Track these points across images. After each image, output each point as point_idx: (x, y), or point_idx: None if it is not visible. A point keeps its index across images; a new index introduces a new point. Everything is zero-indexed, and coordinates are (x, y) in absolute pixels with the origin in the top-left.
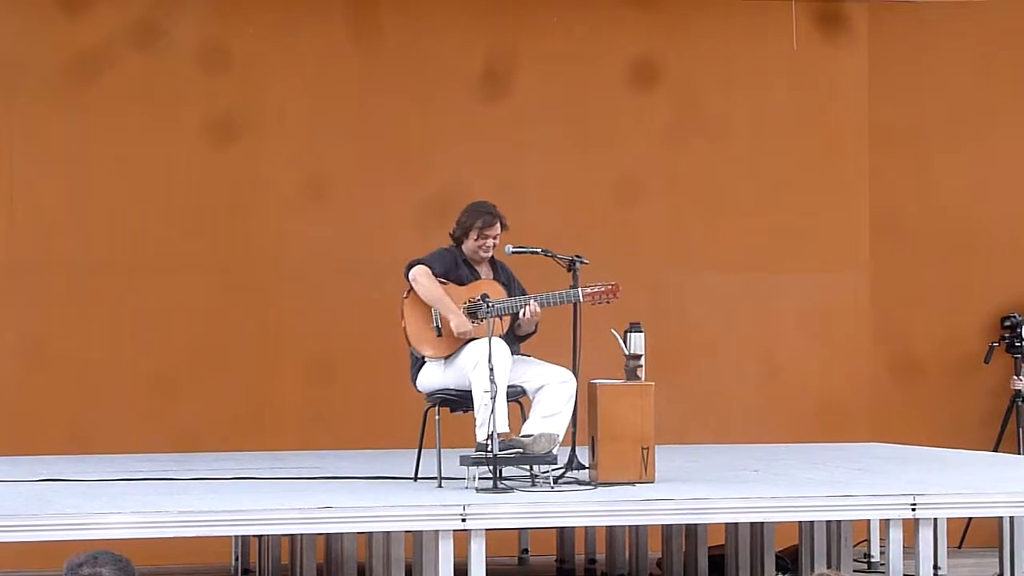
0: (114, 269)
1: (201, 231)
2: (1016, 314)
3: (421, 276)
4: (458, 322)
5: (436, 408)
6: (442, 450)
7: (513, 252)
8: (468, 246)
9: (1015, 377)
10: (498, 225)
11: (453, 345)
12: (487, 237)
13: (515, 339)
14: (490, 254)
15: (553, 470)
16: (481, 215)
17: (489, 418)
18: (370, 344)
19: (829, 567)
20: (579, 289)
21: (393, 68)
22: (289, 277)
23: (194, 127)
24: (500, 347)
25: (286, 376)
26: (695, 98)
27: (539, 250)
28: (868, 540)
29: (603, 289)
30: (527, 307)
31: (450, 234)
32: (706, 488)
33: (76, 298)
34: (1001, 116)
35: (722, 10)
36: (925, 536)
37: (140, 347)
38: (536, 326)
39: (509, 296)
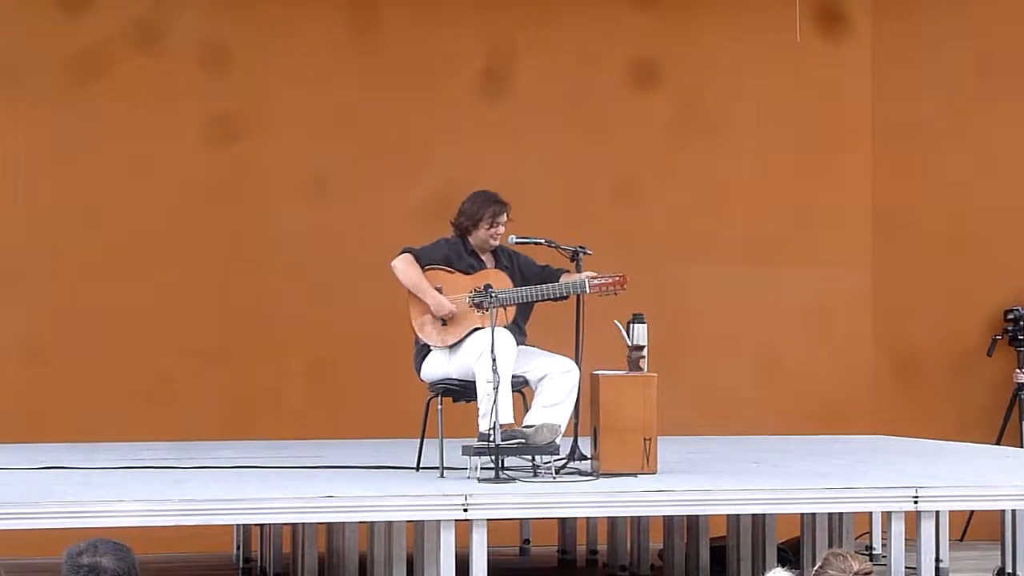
0: (116, 264)
1: (202, 228)
2: (1019, 307)
3: (401, 263)
4: (435, 303)
5: (439, 398)
6: (444, 440)
7: (517, 242)
8: (479, 235)
9: (1018, 370)
10: (506, 213)
11: (459, 333)
12: (499, 225)
13: (520, 329)
14: (499, 242)
15: (555, 461)
16: (491, 204)
17: (492, 408)
18: (372, 334)
19: None
20: (586, 280)
21: (393, 66)
22: (291, 271)
23: (194, 126)
24: (504, 337)
25: (289, 367)
26: (697, 95)
27: (543, 240)
28: (870, 533)
29: (610, 280)
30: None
31: (454, 225)
32: (708, 480)
33: (79, 292)
34: (1002, 112)
35: (724, 7)
36: (927, 529)
37: (143, 339)
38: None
39: (516, 284)
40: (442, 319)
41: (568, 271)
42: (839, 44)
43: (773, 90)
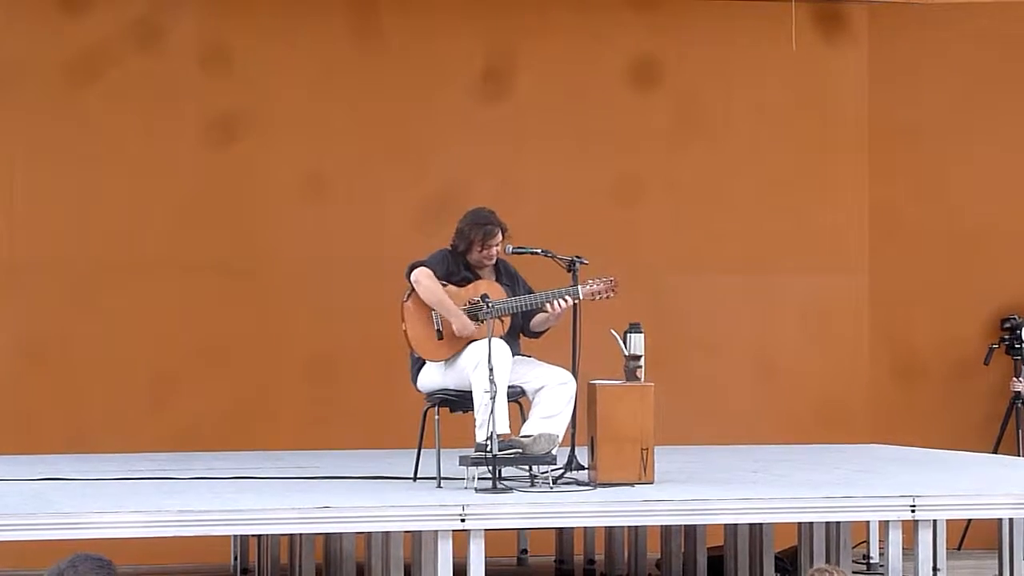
0: (114, 268)
1: (201, 230)
2: (1016, 316)
3: (423, 278)
4: (460, 324)
5: (436, 408)
6: (441, 450)
7: (513, 252)
8: (473, 257)
9: (1015, 379)
10: (499, 234)
11: (454, 348)
12: (490, 247)
13: (516, 340)
14: (494, 260)
15: (552, 470)
16: (481, 227)
17: (489, 418)
18: (370, 344)
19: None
20: (578, 287)
21: (393, 68)
22: (289, 277)
23: (194, 127)
24: (500, 348)
25: (286, 375)
26: (695, 98)
27: (539, 251)
28: (867, 541)
29: (602, 285)
30: (557, 302)
31: (452, 245)
32: (705, 489)
33: (76, 297)
34: (1001, 116)
35: (722, 10)
36: (924, 538)
37: (140, 346)
38: (551, 322)
39: (512, 296)
40: (438, 333)
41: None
42: (836, 48)
43: (770, 94)
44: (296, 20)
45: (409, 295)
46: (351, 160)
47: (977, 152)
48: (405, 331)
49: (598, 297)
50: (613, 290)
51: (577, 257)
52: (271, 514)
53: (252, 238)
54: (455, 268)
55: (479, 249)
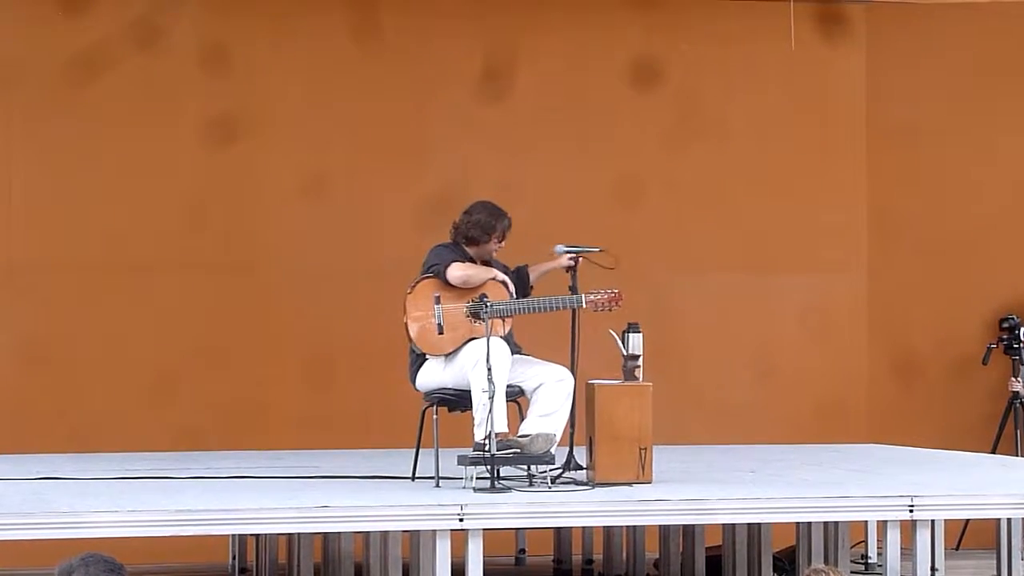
0: (113, 268)
1: (200, 230)
2: (1014, 316)
3: (460, 269)
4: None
5: (434, 408)
6: (440, 450)
7: (565, 252)
8: (487, 247)
9: (1013, 379)
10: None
11: (455, 343)
12: (505, 239)
13: (514, 340)
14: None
15: (551, 470)
16: (503, 218)
17: (487, 418)
18: (369, 343)
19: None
20: (582, 296)
21: (393, 68)
22: (288, 276)
23: (194, 127)
24: (499, 347)
25: (284, 375)
26: (694, 99)
27: (597, 249)
28: (865, 541)
29: (605, 297)
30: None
31: (463, 235)
32: (703, 489)
33: (75, 297)
34: (998, 116)
35: (721, 11)
36: (922, 537)
37: (139, 346)
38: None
39: (510, 293)
40: (439, 327)
41: (529, 265)
42: (834, 47)
43: (769, 93)
44: (296, 20)
45: (413, 288)
46: (350, 160)
47: (974, 151)
48: (406, 324)
49: (600, 309)
50: (616, 302)
51: (602, 250)
52: (269, 514)
53: (252, 238)
54: (461, 263)
55: (498, 240)
